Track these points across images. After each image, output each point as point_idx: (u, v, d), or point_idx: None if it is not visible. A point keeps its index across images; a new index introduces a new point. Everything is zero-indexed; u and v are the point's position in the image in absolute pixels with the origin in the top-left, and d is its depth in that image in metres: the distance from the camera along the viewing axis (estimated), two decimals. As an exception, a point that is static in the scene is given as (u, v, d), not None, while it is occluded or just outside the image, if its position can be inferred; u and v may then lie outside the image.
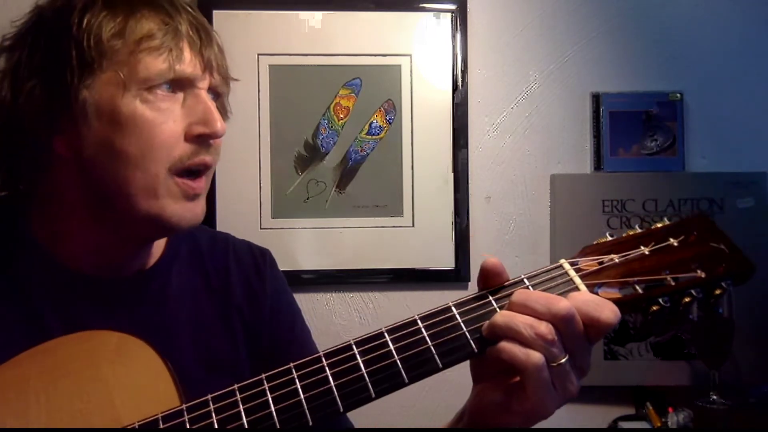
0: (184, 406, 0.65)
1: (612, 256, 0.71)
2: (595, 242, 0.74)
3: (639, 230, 0.74)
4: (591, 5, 1.67)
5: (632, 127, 1.66)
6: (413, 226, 1.62)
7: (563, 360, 0.64)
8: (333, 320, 1.61)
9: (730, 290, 0.70)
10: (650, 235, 0.73)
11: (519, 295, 0.66)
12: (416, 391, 1.58)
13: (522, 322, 0.64)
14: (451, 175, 1.62)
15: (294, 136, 1.60)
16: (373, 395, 0.65)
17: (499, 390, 0.68)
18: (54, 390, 0.68)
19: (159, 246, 0.89)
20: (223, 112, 0.87)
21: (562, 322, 0.63)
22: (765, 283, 1.56)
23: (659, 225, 0.74)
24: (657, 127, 1.66)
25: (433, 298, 1.63)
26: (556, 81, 1.66)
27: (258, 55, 1.59)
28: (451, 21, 1.62)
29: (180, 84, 0.78)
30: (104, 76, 0.75)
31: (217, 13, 1.57)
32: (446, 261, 1.63)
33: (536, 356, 0.63)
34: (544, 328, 0.63)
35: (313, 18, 1.60)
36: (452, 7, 1.62)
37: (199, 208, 0.80)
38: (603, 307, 0.65)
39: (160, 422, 0.64)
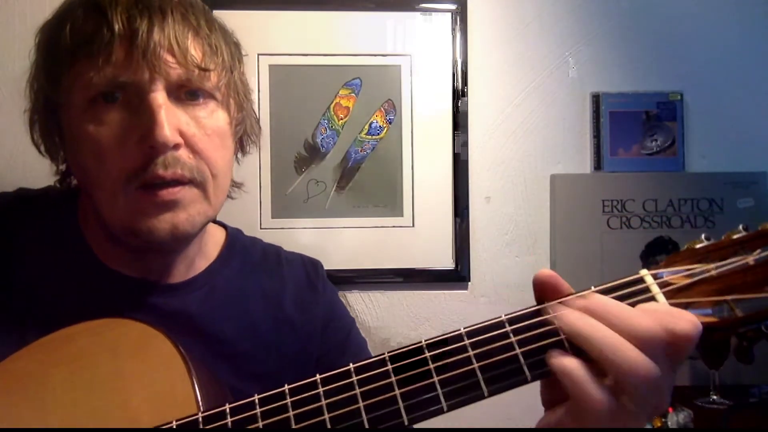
0: (200, 416, 0.61)
1: (707, 266, 0.57)
2: (686, 247, 0.61)
3: (743, 232, 0.59)
4: (591, 5, 1.67)
5: (632, 127, 1.66)
6: (413, 226, 1.62)
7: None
8: (333, 320, 1.61)
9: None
10: (756, 239, 0.58)
11: (597, 302, 0.54)
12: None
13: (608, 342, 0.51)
14: (451, 175, 1.62)
15: (294, 136, 1.60)
16: (406, 422, 0.56)
17: (558, 413, 0.56)
18: (72, 383, 0.67)
19: (211, 255, 0.87)
20: (236, 95, 0.79)
21: (641, 345, 0.51)
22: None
23: None
24: (657, 127, 1.66)
25: (433, 298, 1.64)
26: (556, 81, 1.66)
27: (258, 55, 1.59)
28: (451, 21, 1.62)
29: (128, 89, 0.70)
30: (60, 97, 0.73)
31: (217, 13, 1.55)
32: (446, 261, 1.63)
33: (601, 397, 0.51)
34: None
35: (313, 18, 1.60)
36: (452, 6, 1.62)
37: (179, 218, 0.72)
38: (678, 318, 0.53)
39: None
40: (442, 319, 1.63)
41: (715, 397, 1.48)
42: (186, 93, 0.73)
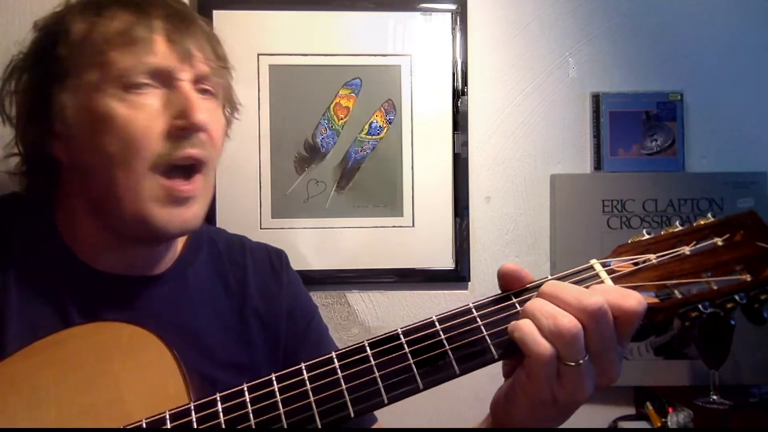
0: (192, 405, 0.65)
1: (648, 256, 0.65)
2: (630, 240, 0.68)
3: (679, 227, 0.67)
4: (591, 5, 1.67)
5: (632, 127, 1.66)
6: (413, 226, 1.62)
7: (581, 361, 0.59)
8: (332, 320, 1.61)
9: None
10: (691, 233, 0.66)
11: (549, 285, 0.62)
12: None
13: (545, 311, 0.60)
14: (451, 175, 1.62)
15: (294, 136, 1.60)
16: (386, 401, 0.62)
17: (510, 379, 0.65)
18: (65, 383, 0.68)
19: (179, 247, 0.90)
20: (228, 104, 0.86)
21: (590, 318, 0.58)
22: (765, 283, 1.57)
23: (702, 222, 0.67)
24: (657, 127, 1.66)
25: (433, 298, 1.64)
26: (556, 81, 1.66)
27: (258, 55, 1.59)
28: (451, 21, 1.62)
29: (159, 78, 0.77)
30: (79, 79, 0.76)
31: (217, 13, 1.57)
32: (446, 261, 1.63)
33: (544, 347, 0.59)
34: (567, 322, 0.58)
35: (313, 18, 1.60)
36: (452, 6, 1.62)
37: (189, 213, 0.78)
38: (627, 296, 0.60)
39: (168, 420, 0.64)
40: (442, 319, 1.63)
41: (715, 397, 1.48)
42: (199, 89, 0.80)
